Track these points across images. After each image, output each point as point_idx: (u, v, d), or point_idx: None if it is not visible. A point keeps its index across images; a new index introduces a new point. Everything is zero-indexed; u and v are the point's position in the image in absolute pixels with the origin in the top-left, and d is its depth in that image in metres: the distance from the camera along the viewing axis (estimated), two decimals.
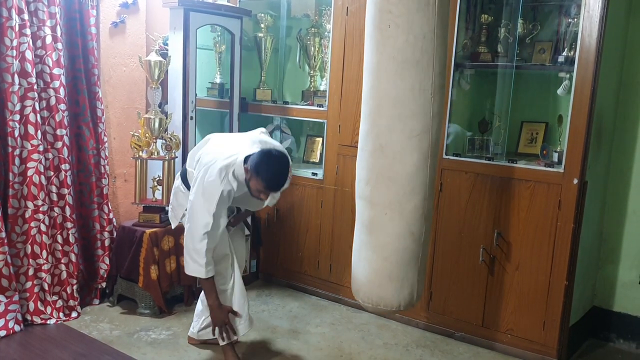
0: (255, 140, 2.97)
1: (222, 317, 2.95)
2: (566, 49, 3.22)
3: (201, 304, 3.25)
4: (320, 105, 4.04)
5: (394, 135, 2.58)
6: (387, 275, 2.67)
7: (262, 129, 3.27)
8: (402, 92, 2.55)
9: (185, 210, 2.98)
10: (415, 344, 3.48)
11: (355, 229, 2.81)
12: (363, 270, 2.73)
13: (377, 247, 2.67)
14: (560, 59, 3.24)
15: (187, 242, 2.91)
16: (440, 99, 2.61)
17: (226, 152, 2.89)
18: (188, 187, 3.07)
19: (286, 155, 2.91)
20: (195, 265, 2.88)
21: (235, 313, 3.03)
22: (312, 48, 4.26)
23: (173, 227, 3.32)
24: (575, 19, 3.17)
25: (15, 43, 3.26)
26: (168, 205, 3.73)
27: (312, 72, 4.32)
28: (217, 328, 2.98)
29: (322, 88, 4.24)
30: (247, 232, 3.51)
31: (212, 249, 2.90)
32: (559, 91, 3.23)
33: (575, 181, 3.09)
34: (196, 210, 2.85)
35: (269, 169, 2.77)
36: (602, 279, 3.65)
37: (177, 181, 3.21)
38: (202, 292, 3.09)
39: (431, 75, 2.52)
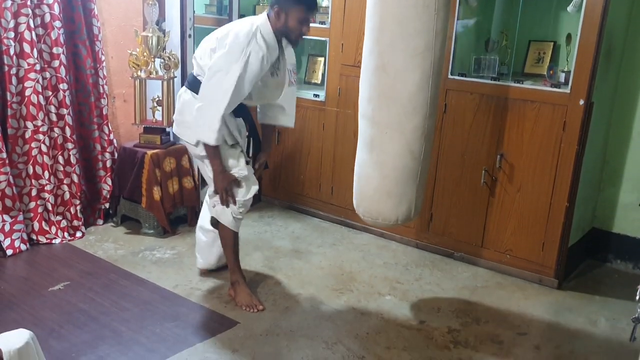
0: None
1: (225, 183, 2.80)
2: None
3: (203, 236, 3.20)
4: (322, 23, 3.92)
5: (396, 53, 2.53)
6: (386, 192, 2.72)
7: None
8: (405, 9, 2.48)
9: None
10: (414, 264, 3.54)
11: (357, 147, 2.81)
12: (364, 186, 2.78)
13: (377, 164, 2.69)
14: None
15: (202, 105, 2.67)
16: (445, 16, 2.54)
17: (243, 23, 2.69)
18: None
19: None
20: (206, 131, 2.67)
21: (238, 183, 2.87)
22: None
23: (186, 139, 2.94)
24: None
25: None
26: (169, 127, 3.71)
27: None
28: (218, 196, 2.86)
29: (324, 4, 4.10)
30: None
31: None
32: (569, 8, 3.12)
33: (582, 102, 3.04)
34: (220, 68, 2.62)
35: None
36: (603, 201, 3.66)
37: (185, 94, 2.90)
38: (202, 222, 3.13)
39: None
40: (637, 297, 1.99)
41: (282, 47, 2.82)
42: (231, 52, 2.62)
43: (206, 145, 2.75)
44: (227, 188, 2.82)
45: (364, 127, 2.73)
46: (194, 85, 2.83)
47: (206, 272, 3.28)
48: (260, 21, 2.69)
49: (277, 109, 3.06)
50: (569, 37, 3.21)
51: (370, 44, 2.61)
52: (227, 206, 2.87)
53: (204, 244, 3.21)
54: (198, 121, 2.72)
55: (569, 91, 3.07)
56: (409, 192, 2.72)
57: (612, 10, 2.98)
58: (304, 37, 2.82)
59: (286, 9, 2.66)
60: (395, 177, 2.69)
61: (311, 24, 3.92)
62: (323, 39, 3.93)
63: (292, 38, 2.77)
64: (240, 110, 2.86)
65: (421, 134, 2.64)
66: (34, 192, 3.48)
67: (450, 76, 3.42)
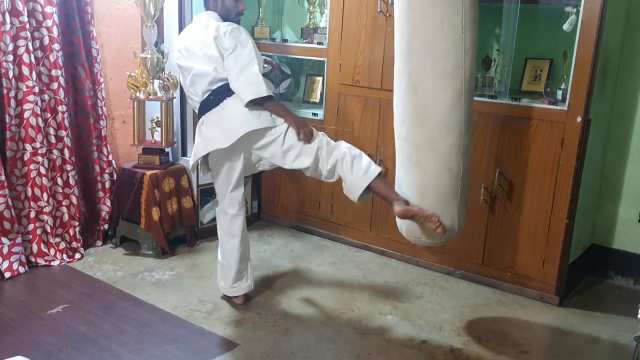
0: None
1: (301, 120, 2.96)
2: None
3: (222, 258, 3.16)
4: (320, 43, 3.95)
5: (425, 74, 2.54)
6: None
7: None
8: (431, 30, 2.49)
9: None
10: (415, 282, 3.53)
11: (396, 166, 2.80)
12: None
13: (415, 184, 2.69)
14: None
15: (241, 71, 2.86)
16: (472, 34, 2.52)
17: (206, 26, 2.95)
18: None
19: None
20: (256, 86, 2.85)
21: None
22: None
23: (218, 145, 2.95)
24: None
25: None
26: (168, 147, 3.71)
27: (311, 8, 4.21)
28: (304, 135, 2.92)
29: (322, 25, 4.13)
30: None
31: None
32: (565, 26, 3.14)
33: (579, 119, 3.05)
34: (235, 46, 2.86)
35: None
36: (602, 217, 3.66)
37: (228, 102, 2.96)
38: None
39: (461, 9, 2.44)
40: (639, 315, 1.98)
41: None
42: (233, 35, 2.87)
43: (267, 104, 2.89)
44: (306, 123, 2.94)
45: (399, 148, 2.73)
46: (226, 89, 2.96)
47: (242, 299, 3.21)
48: (207, 16, 3.00)
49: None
50: (565, 54, 3.23)
51: (399, 66, 2.61)
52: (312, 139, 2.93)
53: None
54: (245, 87, 2.85)
55: (566, 108, 3.08)
56: (450, 210, 2.68)
57: (608, 28, 3.00)
58: (243, 14, 3.09)
59: None
60: (434, 196, 2.66)
61: (309, 45, 4.02)
62: (321, 59, 3.95)
63: (232, 17, 3.02)
64: None
65: (457, 151, 2.63)
66: (32, 214, 3.47)
67: None
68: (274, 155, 2.96)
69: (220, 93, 2.92)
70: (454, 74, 2.52)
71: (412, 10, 2.49)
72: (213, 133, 2.92)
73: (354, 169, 2.86)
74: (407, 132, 2.65)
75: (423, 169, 2.66)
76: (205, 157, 3.04)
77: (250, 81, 2.85)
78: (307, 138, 2.89)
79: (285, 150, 2.91)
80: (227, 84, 2.91)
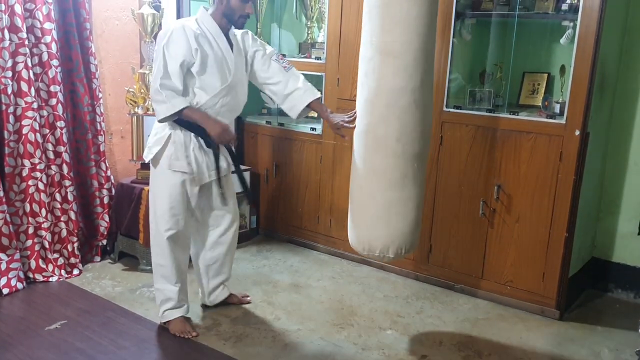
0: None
1: (220, 126, 2.80)
2: None
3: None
4: (318, 58, 3.97)
5: (425, 89, 2.62)
6: (418, 223, 2.79)
7: None
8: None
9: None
10: (415, 296, 3.51)
11: (376, 192, 2.70)
12: (397, 224, 2.72)
13: (410, 199, 2.70)
14: (564, 7, 3.15)
15: (151, 91, 2.77)
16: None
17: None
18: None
19: None
20: (162, 105, 2.71)
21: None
22: None
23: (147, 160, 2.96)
24: None
25: None
26: None
27: (309, 23, 4.23)
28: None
29: (319, 40, 4.15)
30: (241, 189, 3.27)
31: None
32: (562, 40, 3.16)
33: (577, 132, 3.06)
34: (158, 45, 2.77)
35: None
36: (602, 230, 3.66)
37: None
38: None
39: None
40: None
41: (230, 42, 2.90)
42: (157, 39, 2.80)
43: (184, 113, 2.74)
44: (225, 129, 2.82)
45: (392, 167, 2.67)
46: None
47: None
48: (202, 13, 2.86)
49: (294, 93, 3.05)
50: (562, 68, 3.25)
51: (401, 82, 2.60)
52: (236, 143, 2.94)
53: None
54: (154, 105, 2.77)
55: (564, 122, 3.09)
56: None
57: (605, 42, 3.02)
58: (248, 17, 2.90)
59: None
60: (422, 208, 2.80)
61: (307, 60, 4.03)
62: (319, 74, 3.97)
63: (236, 18, 2.85)
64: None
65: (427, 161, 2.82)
66: (30, 230, 3.46)
67: (445, 109, 3.44)
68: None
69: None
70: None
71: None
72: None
73: None
74: (403, 148, 2.63)
75: (417, 181, 2.70)
76: None
77: (154, 99, 2.75)
78: (230, 141, 2.89)
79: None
80: None
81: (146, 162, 2.97)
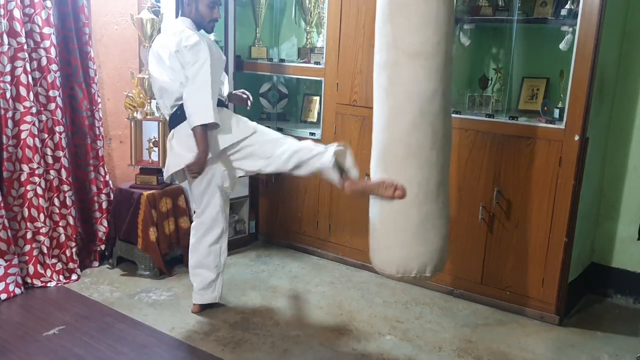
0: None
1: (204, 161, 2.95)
2: (569, 2, 3.14)
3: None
4: (317, 63, 3.97)
5: (450, 93, 2.58)
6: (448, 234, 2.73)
7: None
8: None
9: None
10: (414, 302, 3.50)
11: (412, 206, 2.57)
12: (434, 238, 2.60)
13: (443, 209, 2.62)
14: (563, 12, 3.16)
15: (192, 90, 2.86)
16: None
17: (172, 35, 2.95)
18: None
19: None
20: (204, 112, 2.84)
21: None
22: (308, 2, 4.15)
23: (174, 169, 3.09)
24: None
25: (2, 1, 3.18)
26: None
27: (308, 27, 4.23)
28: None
29: (319, 45, 4.16)
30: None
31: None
32: (561, 45, 3.16)
33: (577, 137, 3.05)
34: (194, 61, 2.86)
35: None
36: (601, 235, 3.65)
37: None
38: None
39: None
40: None
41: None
42: (193, 50, 2.86)
43: (199, 129, 2.86)
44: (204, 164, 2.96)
45: (427, 177, 2.54)
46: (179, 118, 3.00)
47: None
48: (181, 22, 3.00)
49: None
50: (561, 73, 3.25)
51: (434, 86, 2.51)
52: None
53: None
54: (192, 109, 2.87)
55: (563, 127, 3.09)
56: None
57: (604, 47, 3.02)
58: (217, 21, 3.08)
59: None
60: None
61: (306, 64, 4.03)
62: (318, 78, 3.97)
63: (205, 23, 3.02)
64: None
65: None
66: (29, 235, 3.45)
67: None
68: (253, 154, 3.04)
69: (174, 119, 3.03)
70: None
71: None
72: (183, 148, 2.99)
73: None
74: (436, 157, 2.53)
75: (449, 190, 2.69)
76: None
77: (201, 105, 2.85)
78: (194, 175, 2.99)
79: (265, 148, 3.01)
80: None
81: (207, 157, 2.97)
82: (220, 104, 3.04)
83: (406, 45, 2.45)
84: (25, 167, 3.39)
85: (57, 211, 3.58)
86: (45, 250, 3.51)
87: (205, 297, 3.23)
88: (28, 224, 3.44)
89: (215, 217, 3.12)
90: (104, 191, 3.84)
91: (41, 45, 3.40)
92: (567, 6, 3.14)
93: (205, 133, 2.89)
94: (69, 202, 3.61)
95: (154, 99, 3.71)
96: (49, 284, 3.50)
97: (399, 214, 2.57)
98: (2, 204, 3.28)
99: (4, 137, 3.31)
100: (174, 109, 3.01)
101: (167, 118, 3.09)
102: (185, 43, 2.86)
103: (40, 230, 3.48)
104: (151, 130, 3.81)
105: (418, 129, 2.49)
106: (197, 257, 3.19)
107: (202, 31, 3.03)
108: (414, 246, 2.56)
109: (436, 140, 2.52)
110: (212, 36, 3.16)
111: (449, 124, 2.61)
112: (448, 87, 2.55)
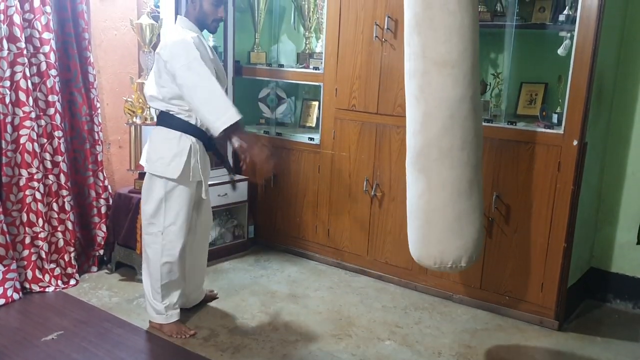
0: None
1: (264, 151, 2.78)
2: (567, 7, 3.15)
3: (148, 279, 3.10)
4: (316, 68, 3.98)
5: (479, 96, 2.64)
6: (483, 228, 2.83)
7: None
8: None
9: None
10: (413, 307, 3.50)
11: (447, 204, 2.66)
12: (469, 233, 2.69)
13: (477, 206, 2.69)
14: (561, 17, 3.17)
15: (205, 98, 2.69)
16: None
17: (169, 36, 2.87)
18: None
19: None
20: (226, 112, 2.66)
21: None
22: (307, 8, 4.16)
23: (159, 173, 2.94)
24: None
25: (2, 6, 3.18)
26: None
27: (307, 33, 4.25)
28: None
29: (317, 50, 4.17)
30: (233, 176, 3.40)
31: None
32: (560, 51, 3.17)
33: (575, 142, 3.06)
34: (183, 65, 2.69)
35: None
36: (600, 240, 3.65)
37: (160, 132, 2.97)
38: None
39: None
40: None
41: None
42: (179, 53, 2.72)
43: (236, 132, 2.70)
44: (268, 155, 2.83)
45: (459, 175, 2.64)
46: (167, 120, 2.93)
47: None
48: (179, 22, 2.91)
49: None
50: (560, 78, 3.26)
51: (463, 90, 2.60)
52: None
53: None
54: (211, 114, 2.68)
55: (562, 132, 3.10)
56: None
57: (602, 52, 3.03)
58: (222, 21, 2.98)
59: None
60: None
61: (305, 70, 4.04)
62: (317, 83, 3.98)
63: (209, 23, 2.92)
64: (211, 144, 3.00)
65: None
66: (27, 240, 3.44)
67: None
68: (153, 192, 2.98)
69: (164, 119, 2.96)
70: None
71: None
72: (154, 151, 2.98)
73: None
74: (468, 156, 2.62)
75: (480, 187, 2.72)
76: None
77: (220, 107, 2.69)
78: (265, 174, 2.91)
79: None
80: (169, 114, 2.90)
81: (175, 178, 2.86)
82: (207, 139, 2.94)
83: (434, 55, 2.55)
84: (24, 172, 3.38)
85: (56, 216, 3.57)
86: (43, 255, 3.50)
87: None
88: (27, 228, 3.43)
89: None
90: (102, 196, 3.84)
91: (41, 51, 3.40)
92: (565, 12, 3.15)
93: (238, 131, 2.70)
94: (67, 207, 3.61)
95: None
96: (47, 289, 3.49)
97: (436, 212, 2.67)
98: (0, 209, 3.28)
99: (3, 142, 3.31)
100: (157, 114, 3.02)
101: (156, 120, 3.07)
102: (167, 52, 2.75)
103: (39, 235, 3.48)
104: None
105: (449, 132, 2.59)
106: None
107: (204, 32, 2.96)
108: (450, 241, 2.68)
109: (467, 141, 2.61)
110: (210, 41, 3.11)
111: (479, 125, 2.67)
112: (476, 90, 2.61)
